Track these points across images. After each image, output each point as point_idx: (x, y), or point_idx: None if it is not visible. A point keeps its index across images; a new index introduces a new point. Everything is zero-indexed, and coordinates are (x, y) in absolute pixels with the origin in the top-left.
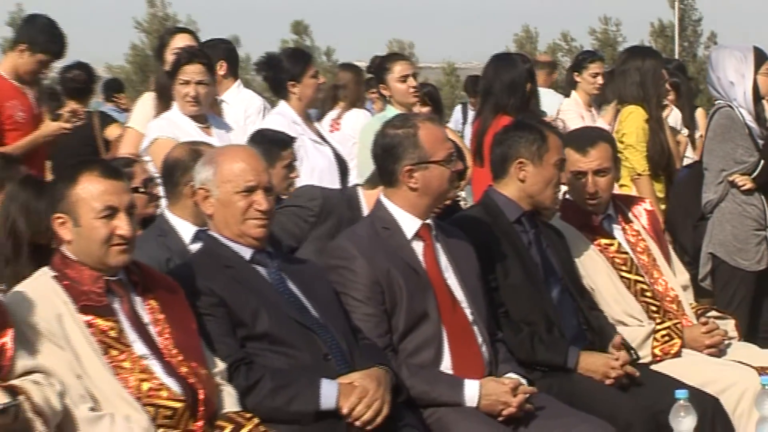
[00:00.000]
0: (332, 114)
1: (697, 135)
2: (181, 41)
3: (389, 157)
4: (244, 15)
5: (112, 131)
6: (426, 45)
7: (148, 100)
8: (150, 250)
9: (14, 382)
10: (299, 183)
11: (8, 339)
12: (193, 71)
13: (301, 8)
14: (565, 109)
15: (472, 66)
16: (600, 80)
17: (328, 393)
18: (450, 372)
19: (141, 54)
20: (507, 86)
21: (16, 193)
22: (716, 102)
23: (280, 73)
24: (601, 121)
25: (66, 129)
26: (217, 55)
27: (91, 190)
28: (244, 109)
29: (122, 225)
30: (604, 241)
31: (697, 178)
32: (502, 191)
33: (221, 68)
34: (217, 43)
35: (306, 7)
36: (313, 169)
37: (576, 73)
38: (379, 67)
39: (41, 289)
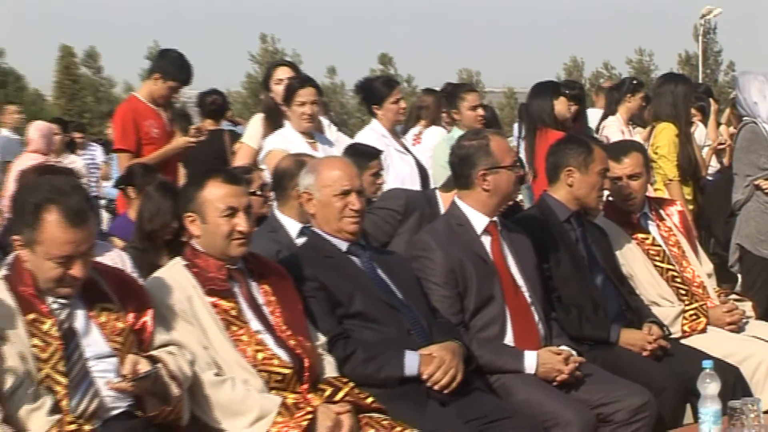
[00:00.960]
0: (415, 130)
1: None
2: (282, 73)
3: (466, 164)
4: (339, 49)
5: (238, 146)
6: (490, 73)
7: (257, 120)
8: (263, 243)
9: (153, 353)
10: (386, 187)
11: (149, 318)
12: (307, 94)
13: (387, 42)
14: (608, 125)
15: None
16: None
17: (411, 362)
18: (512, 345)
19: (255, 82)
20: (539, 107)
21: (151, 195)
22: (743, 118)
23: (368, 97)
24: (638, 136)
25: (191, 143)
26: None
27: (216, 194)
28: None
29: (241, 222)
30: (640, 235)
31: (727, 182)
32: (554, 195)
33: None
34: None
35: (391, 42)
36: (398, 174)
37: (630, 95)
38: (452, 95)
39: (175, 275)
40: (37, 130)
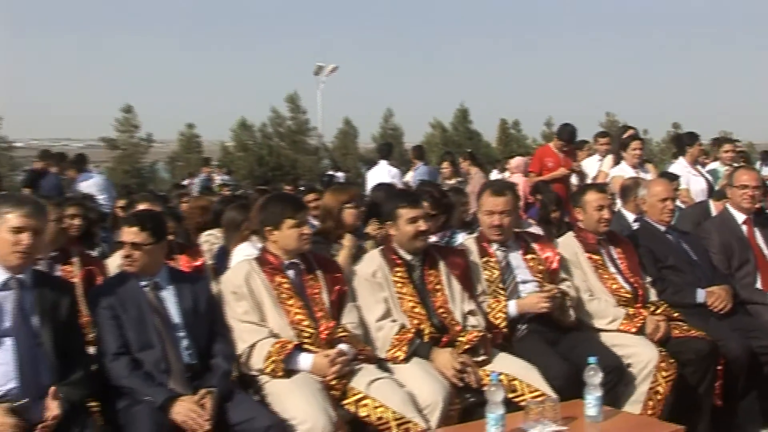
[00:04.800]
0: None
1: None
2: (629, 132)
3: (727, 185)
4: (646, 116)
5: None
6: (732, 128)
7: (608, 158)
8: (615, 225)
9: (560, 285)
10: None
11: (555, 262)
12: (636, 144)
13: (676, 110)
14: None
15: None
16: None
17: (700, 295)
18: (761, 288)
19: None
20: None
21: (549, 197)
22: None
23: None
24: None
25: (565, 174)
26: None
27: (592, 197)
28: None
29: (605, 214)
30: None
31: None
32: None
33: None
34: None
35: (680, 108)
36: (692, 189)
37: None
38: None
39: (568, 241)
40: (519, 162)
